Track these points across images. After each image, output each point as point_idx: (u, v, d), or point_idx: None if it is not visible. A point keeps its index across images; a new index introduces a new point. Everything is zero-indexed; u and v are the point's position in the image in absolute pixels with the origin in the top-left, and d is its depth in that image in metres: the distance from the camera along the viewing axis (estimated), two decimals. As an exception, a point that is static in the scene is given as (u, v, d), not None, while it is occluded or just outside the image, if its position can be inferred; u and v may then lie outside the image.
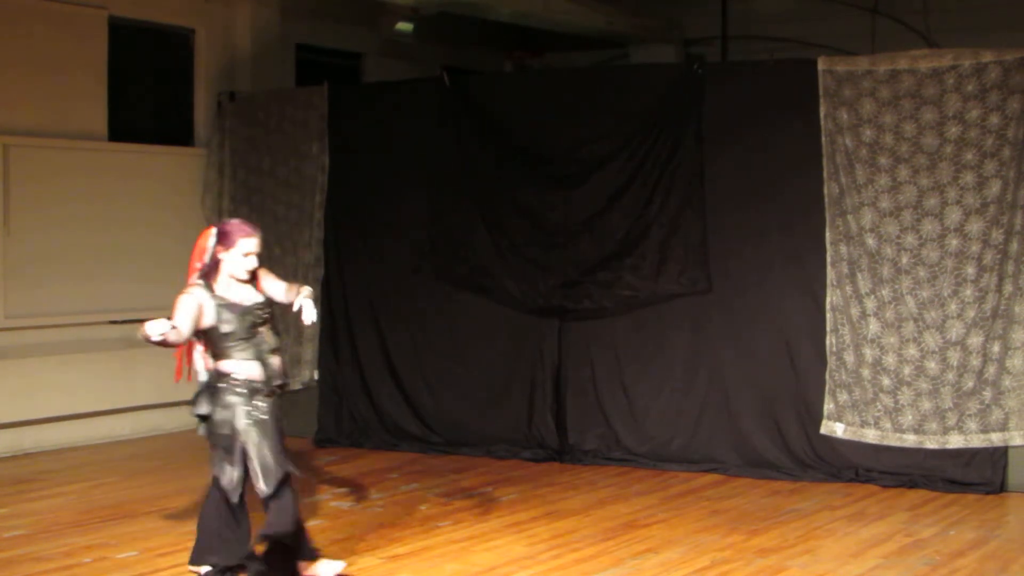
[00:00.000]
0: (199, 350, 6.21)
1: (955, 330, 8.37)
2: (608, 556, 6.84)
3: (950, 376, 8.39)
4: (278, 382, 6.18)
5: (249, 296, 6.13)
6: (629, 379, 9.45)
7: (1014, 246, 8.24)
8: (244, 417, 6.02)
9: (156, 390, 10.70)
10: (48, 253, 9.94)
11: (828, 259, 8.69)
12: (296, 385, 10.63)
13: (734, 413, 9.11)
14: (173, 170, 10.94)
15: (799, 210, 8.84)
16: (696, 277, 9.16)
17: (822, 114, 8.69)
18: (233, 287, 6.11)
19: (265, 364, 6.11)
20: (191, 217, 11.02)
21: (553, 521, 7.64)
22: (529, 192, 9.77)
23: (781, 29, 12.99)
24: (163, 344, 5.97)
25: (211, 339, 6.08)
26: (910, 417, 8.49)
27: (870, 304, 8.58)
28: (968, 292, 8.33)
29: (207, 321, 6.02)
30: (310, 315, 6.18)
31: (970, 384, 8.34)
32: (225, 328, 6.03)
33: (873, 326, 8.58)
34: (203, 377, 6.18)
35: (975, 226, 8.29)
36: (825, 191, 8.70)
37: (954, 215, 8.34)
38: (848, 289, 8.65)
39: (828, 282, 8.70)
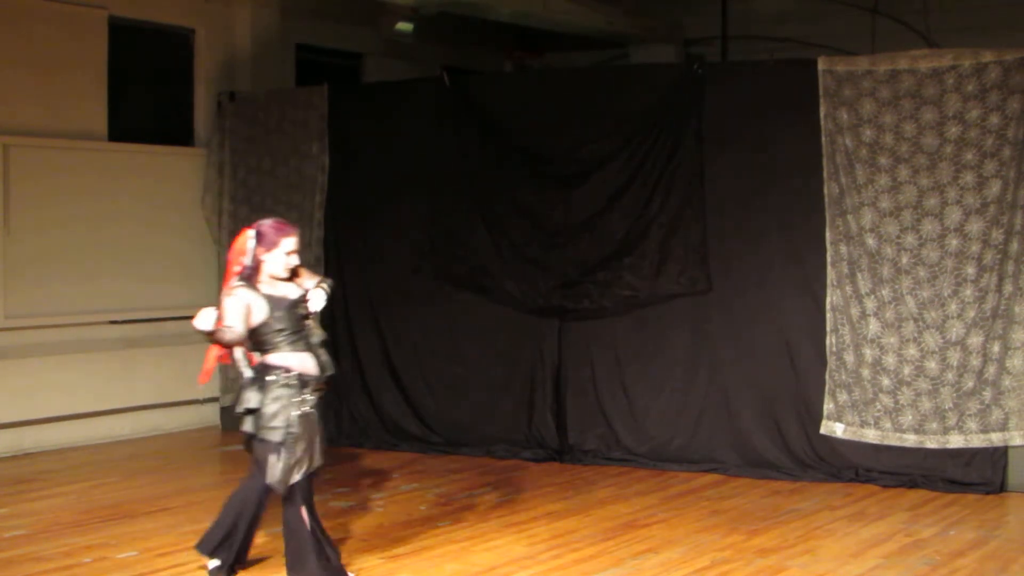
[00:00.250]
0: (240, 348, 6.16)
1: (955, 330, 8.37)
2: (608, 556, 6.85)
3: (950, 376, 8.39)
4: (329, 373, 6.22)
5: (292, 291, 6.18)
6: (629, 379, 9.45)
7: (1014, 246, 8.24)
8: (295, 409, 6.03)
9: (156, 390, 10.72)
10: (48, 253, 9.94)
11: (828, 259, 8.69)
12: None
13: (734, 413, 9.11)
14: (173, 170, 10.94)
15: (799, 210, 8.84)
16: (696, 277, 9.16)
17: (822, 114, 8.69)
18: (275, 284, 6.14)
19: (316, 356, 6.15)
20: (191, 217, 11.04)
21: (553, 521, 7.64)
22: (529, 192, 9.77)
23: (781, 29, 13.00)
24: (217, 343, 6.01)
25: (261, 335, 6.07)
26: (910, 417, 8.49)
27: (870, 304, 8.58)
28: (968, 292, 8.33)
29: (258, 318, 6.03)
30: (316, 303, 6.18)
31: (970, 384, 8.34)
32: (277, 324, 6.05)
33: (873, 326, 8.58)
34: (248, 373, 6.14)
35: (975, 226, 8.29)
36: (825, 191, 8.70)
37: (954, 215, 8.34)
38: (848, 289, 8.65)
39: (828, 282, 8.70)
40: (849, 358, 8.66)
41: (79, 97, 10.23)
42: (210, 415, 11.10)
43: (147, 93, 11.22)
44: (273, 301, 6.06)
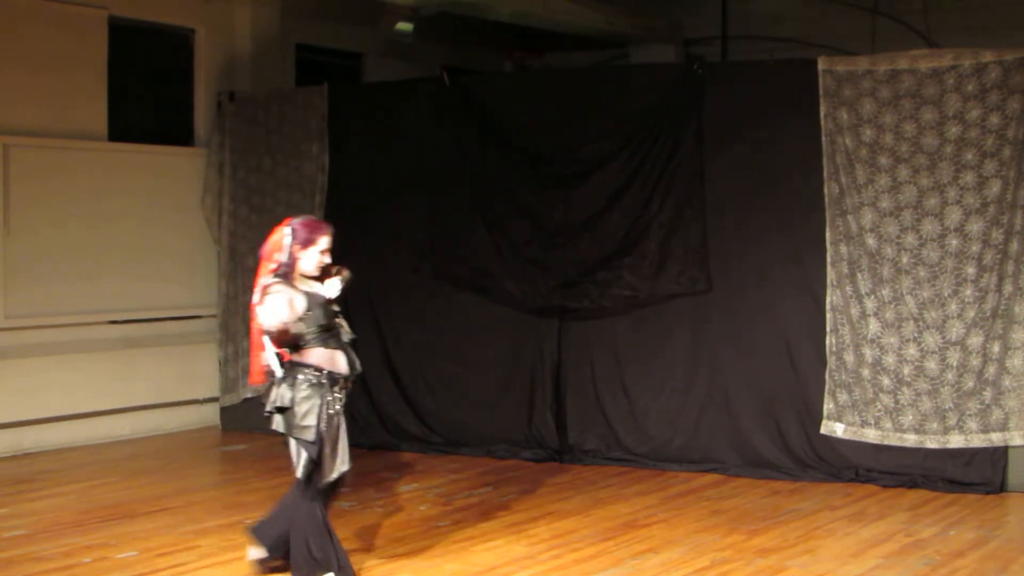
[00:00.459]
0: (270, 347, 6.15)
1: (955, 330, 8.37)
2: (608, 556, 6.84)
3: (950, 376, 8.39)
4: (357, 372, 6.25)
5: (322, 289, 6.16)
6: (629, 379, 9.45)
7: (1014, 246, 8.24)
8: (326, 408, 6.05)
9: (156, 390, 10.72)
10: (48, 253, 9.94)
11: (828, 259, 8.69)
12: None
13: (734, 413, 9.11)
14: (173, 170, 10.94)
15: (799, 210, 8.84)
16: (696, 277, 9.16)
17: (822, 114, 8.69)
18: (308, 282, 6.15)
19: (347, 353, 6.17)
20: (191, 217, 11.04)
21: (553, 521, 7.64)
22: (529, 192, 9.77)
23: (781, 29, 13.00)
24: (280, 339, 6.02)
25: (294, 332, 6.05)
26: (910, 417, 8.49)
27: (870, 304, 8.58)
28: (968, 292, 8.33)
29: (295, 315, 6.02)
30: (332, 290, 6.17)
31: (970, 384, 8.34)
32: (311, 321, 6.06)
33: (873, 326, 8.58)
34: (279, 371, 6.12)
35: (975, 226, 8.29)
36: (825, 191, 8.70)
37: (954, 215, 8.34)
38: (848, 289, 8.65)
39: (828, 282, 8.70)
40: (849, 358, 8.66)
41: (79, 97, 10.23)
42: (210, 415, 11.10)
43: (147, 93, 11.21)
44: (309, 298, 6.07)
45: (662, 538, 7.22)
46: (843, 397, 8.69)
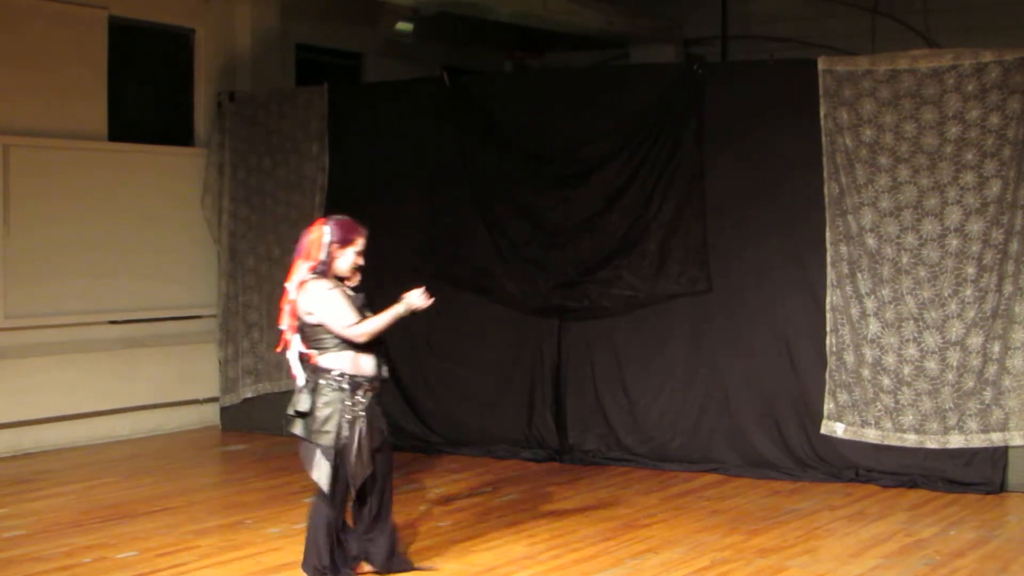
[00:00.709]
0: (296, 349, 6.11)
1: (955, 330, 8.37)
2: (608, 556, 6.84)
3: (950, 376, 8.39)
4: (385, 376, 6.24)
5: (354, 291, 6.15)
6: (629, 379, 9.45)
7: (1014, 246, 8.24)
8: (347, 414, 6.03)
9: (156, 390, 10.72)
10: (48, 253, 9.94)
11: (828, 259, 8.69)
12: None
13: (734, 413, 9.11)
14: (173, 170, 10.94)
15: (799, 210, 8.84)
16: (696, 277, 9.16)
17: (822, 114, 8.69)
18: (339, 282, 6.14)
19: (377, 357, 6.15)
20: (191, 217, 11.03)
21: (553, 521, 7.64)
22: (529, 192, 9.77)
23: (781, 29, 13.01)
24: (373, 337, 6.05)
25: (321, 333, 6.04)
26: (910, 417, 8.49)
27: (870, 304, 8.58)
28: (968, 292, 8.33)
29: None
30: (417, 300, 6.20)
31: (970, 384, 8.34)
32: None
33: (873, 326, 8.58)
34: (302, 376, 6.10)
35: (975, 226, 8.29)
36: (825, 191, 8.70)
37: (954, 215, 8.35)
38: (848, 289, 8.65)
39: (828, 282, 8.70)
40: (849, 358, 8.66)
41: (79, 97, 10.23)
42: (210, 415, 11.10)
43: (147, 93, 11.21)
44: (348, 299, 6.05)
45: (662, 538, 7.22)
46: (843, 397, 8.69)
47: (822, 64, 8.71)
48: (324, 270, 6.08)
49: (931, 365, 8.43)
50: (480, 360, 9.95)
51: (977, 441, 8.34)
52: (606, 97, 9.61)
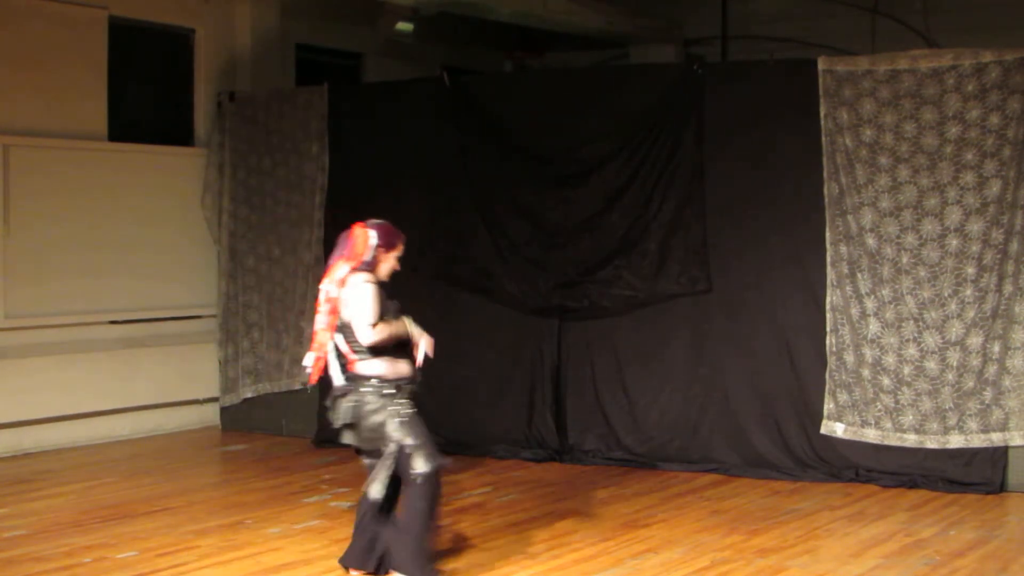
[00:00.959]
0: (334, 351, 6.09)
1: (955, 330, 8.37)
2: (608, 556, 6.84)
3: (950, 376, 8.39)
4: (418, 379, 6.25)
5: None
6: (629, 379, 9.45)
7: (1014, 246, 8.24)
8: (396, 416, 6.06)
9: (156, 390, 10.72)
10: (48, 253, 9.94)
11: (828, 259, 8.69)
12: (296, 385, 10.65)
13: (734, 413, 9.11)
14: (173, 170, 10.94)
15: (799, 210, 8.84)
16: (696, 277, 9.16)
17: (822, 114, 8.69)
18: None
19: (412, 361, 6.18)
20: (191, 217, 11.03)
21: (553, 521, 7.64)
22: (529, 192, 9.76)
23: (781, 29, 13.00)
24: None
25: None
26: (910, 417, 8.49)
27: (870, 304, 8.58)
28: (968, 292, 8.33)
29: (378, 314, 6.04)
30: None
31: (970, 384, 8.34)
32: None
33: (873, 326, 8.58)
34: (341, 380, 6.10)
35: (975, 226, 8.29)
36: (825, 191, 8.70)
37: (954, 215, 8.35)
38: (848, 289, 8.65)
39: (828, 282, 8.70)
40: (849, 358, 8.66)
41: (79, 97, 10.23)
42: (210, 415, 11.10)
43: (147, 93, 11.21)
44: (380, 301, 6.06)
45: (662, 538, 7.22)
46: (843, 397, 8.69)
47: (822, 64, 8.71)
48: (367, 271, 6.07)
49: (931, 365, 8.43)
50: (480, 360, 9.94)
51: (977, 441, 8.34)
52: (606, 97, 9.61)
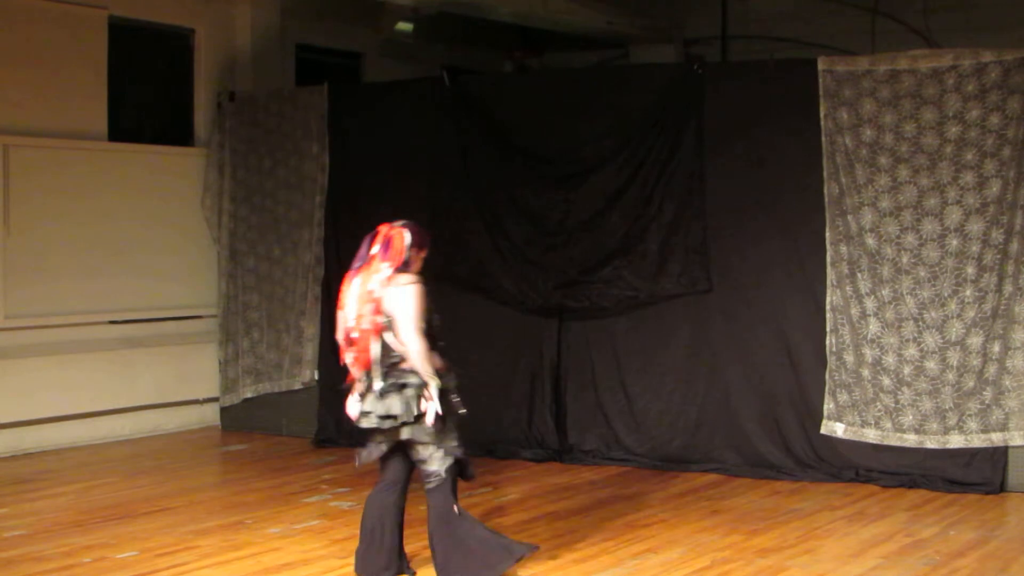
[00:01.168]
0: (379, 347, 6.02)
1: (955, 330, 8.37)
2: (608, 556, 6.84)
3: (950, 376, 8.39)
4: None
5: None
6: (629, 379, 9.45)
7: (1014, 246, 8.24)
8: (459, 409, 6.07)
9: (156, 390, 10.73)
10: (48, 253, 9.94)
11: (828, 259, 8.69)
12: (296, 385, 10.65)
13: (734, 413, 9.11)
14: (173, 170, 10.94)
15: (799, 210, 8.83)
16: (696, 277, 9.16)
17: (822, 114, 8.69)
18: None
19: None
20: (191, 217, 11.03)
21: (553, 521, 7.64)
22: (529, 192, 9.76)
23: (781, 29, 13.00)
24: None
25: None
26: (910, 417, 8.49)
27: (870, 304, 8.58)
28: (968, 292, 8.33)
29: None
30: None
31: (970, 384, 8.34)
32: (436, 321, 6.09)
33: (873, 326, 8.58)
34: (380, 384, 6.00)
35: (975, 226, 8.29)
36: (825, 191, 8.70)
37: (954, 215, 8.35)
38: (848, 289, 8.65)
39: (828, 282, 8.70)
40: (849, 358, 8.66)
41: (79, 97, 10.23)
42: (210, 415, 11.11)
43: (147, 93, 11.22)
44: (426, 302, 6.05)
45: (662, 538, 7.22)
46: (843, 397, 8.69)
47: (822, 64, 8.71)
48: (403, 271, 6.08)
49: (931, 365, 8.43)
50: (480, 360, 9.92)
51: (977, 441, 8.34)
52: (606, 97, 9.61)
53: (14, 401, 9.70)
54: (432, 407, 5.97)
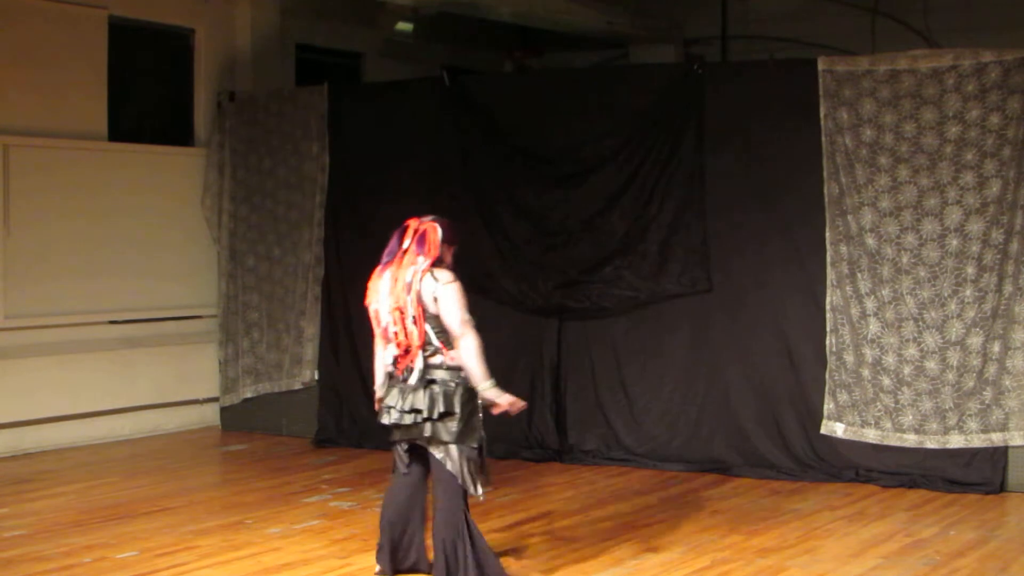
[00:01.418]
0: (417, 337, 5.96)
1: (955, 330, 8.37)
2: (608, 556, 6.84)
3: (950, 376, 8.39)
4: None
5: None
6: (629, 379, 9.45)
7: (1014, 246, 8.24)
8: (480, 411, 6.00)
9: (156, 390, 10.73)
10: (48, 253, 9.94)
11: (828, 259, 8.70)
12: (296, 385, 10.65)
13: (734, 413, 9.11)
14: (173, 170, 10.94)
15: (799, 210, 8.84)
16: (697, 277, 9.17)
17: (822, 114, 8.69)
18: None
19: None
20: (191, 217, 11.03)
21: (553, 521, 7.64)
22: (529, 192, 9.76)
23: (781, 29, 13.00)
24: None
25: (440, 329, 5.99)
26: (910, 417, 8.49)
27: (870, 304, 8.58)
28: (968, 292, 8.33)
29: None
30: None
31: (970, 384, 8.34)
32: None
33: (873, 326, 8.58)
34: (415, 379, 5.95)
35: (975, 226, 8.29)
36: (825, 191, 8.70)
37: (954, 215, 8.35)
38: (848, 289, 8.65)
39: (828, 282, 8.70)
40: (849, 358, 8.66)
41: (79, 97, 10.23)
42: (210, 415, 11.10)
43: (147, 93, 11.22)
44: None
45: (662, 538, 7.22)
46: (843, 397, 8.69)
47: (822, 64, 8.71)
48: (439, 267, 6.08)
49: (931, 365, 8.43)
50: (480, 360, 9.92)
51: (977, 441, 8.34)
52: (606, 97, 9.61)
53: (14, 401, 9.70)
54: (501, 400, 5.93)
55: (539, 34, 13.42)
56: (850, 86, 8.60)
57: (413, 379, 5.97)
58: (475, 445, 5.99)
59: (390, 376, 6.11)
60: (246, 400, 10.87)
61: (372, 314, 6.15)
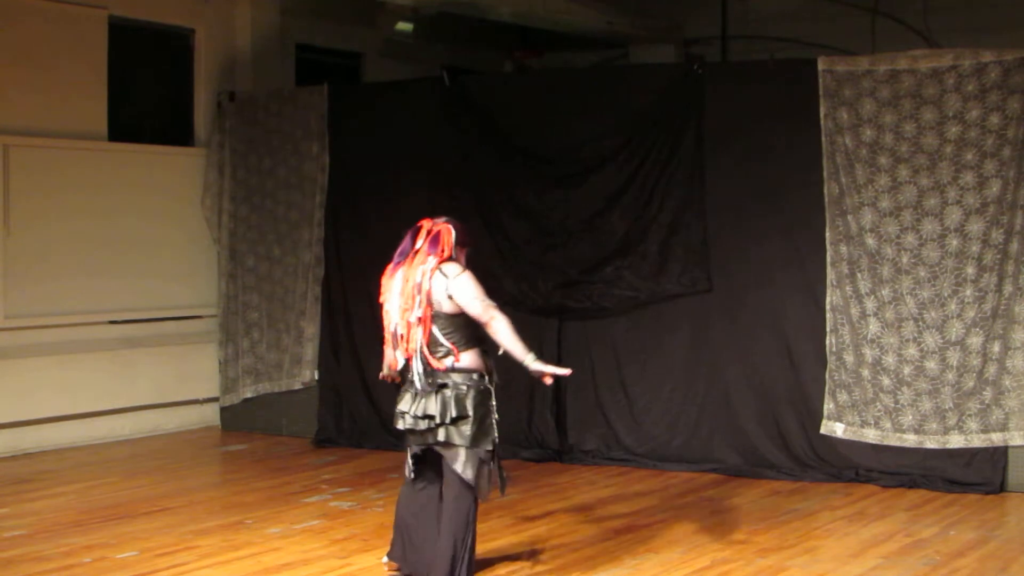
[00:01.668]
0: (420, 343, 5.95)
1: (955, 330, 8.37)
2: (608, 556, 6.84)
3: (950, 376, 8.39)
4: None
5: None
6: (629, 379, 9.45)
7: (1014, 246, 8.24)
8: (494, 413, 6.01)
9: (156, 390, 10.73)
10: (48, 253, 9.94)
11: (828, 259, 8.70)
12: (296, 385, 10.65)
13: (734, 413, 9.11)
14: (173, 170, 10.94)
15: (799, 210, 8.84)
16: (697, 277, 9.17)
17: (822, 114, 8.69)
18: None
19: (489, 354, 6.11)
20: (191, 217, 11.03)
21: (553, 521, 7.64)
22: (529, 192, 9.77)
23: (781, 29, 12.99)
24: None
25: (468, 326, 6.02)
26: (910, 417, 8.49)
27: (870, 304, 8.59)
28: (968, 292, 8.33)
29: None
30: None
31: (970, 384, 8.34)
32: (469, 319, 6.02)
33: (873, 326, 8.58)
34: (421, 383, 5.95)
35: (975, 226, 8.29)
36: (825, 191, 8.70)
37: (954, 215, 8.35)
38: (848, 289, 8.65)
39: (828, 282, 8.70)
40: (849, 358, 8.66)
41: (79, 97, 10.23)
42: (210, 415, 11.10)
43: (147, 93, 11.22)
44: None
45: (662, 538, 7.22)
46: (843, 397, 8.69)
47: (822, 64, 8.72)
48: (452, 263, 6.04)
49: (931, 365, 8.43)
50: (480, 360, 9.93)
51: (977, 441, 8.34)
52: (606, 97, 9.61)
53: (14, 401, 9.69)
54: (547, 369, 6.05)
55: (539, 34, 13.42)
56: (850, 86, 8.60)
57: (421, 382, 5.95)
58: (489, 448, 5.97)
59: (403, 378, 6.09)
60: (246, 400, 10.87)
61: (384, 313, 6.14)
